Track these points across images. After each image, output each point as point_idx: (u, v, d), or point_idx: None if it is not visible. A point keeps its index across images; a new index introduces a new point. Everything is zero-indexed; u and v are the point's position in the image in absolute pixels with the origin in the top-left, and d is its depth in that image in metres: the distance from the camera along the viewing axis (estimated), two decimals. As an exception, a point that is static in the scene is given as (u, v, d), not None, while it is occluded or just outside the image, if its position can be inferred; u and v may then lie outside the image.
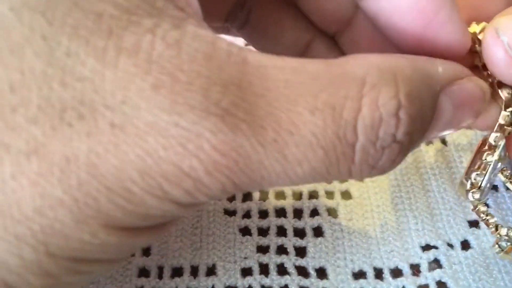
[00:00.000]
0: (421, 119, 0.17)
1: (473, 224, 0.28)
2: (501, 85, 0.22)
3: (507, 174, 0.28)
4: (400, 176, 0.31)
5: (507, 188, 0.28)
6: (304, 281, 0.26)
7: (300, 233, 0.28)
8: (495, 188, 0.30)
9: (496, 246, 0.25)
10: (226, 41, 0.16)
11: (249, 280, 0.26)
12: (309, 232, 0.28)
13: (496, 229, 0.25)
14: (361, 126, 0.16)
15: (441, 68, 0.19)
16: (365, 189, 0.30)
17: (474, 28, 0.22)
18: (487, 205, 0.27)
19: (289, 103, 0.16)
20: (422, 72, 0.18)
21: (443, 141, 0.33)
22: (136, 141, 0.15)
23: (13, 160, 0.14)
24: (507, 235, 0.25)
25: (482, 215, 0.26)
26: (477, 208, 0.26)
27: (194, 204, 0.17)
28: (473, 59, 0.23)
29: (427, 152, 0.32)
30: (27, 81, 0.15)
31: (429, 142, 0.32)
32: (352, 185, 0.30)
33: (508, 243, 0.25)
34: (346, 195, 0.30)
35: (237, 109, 0.15)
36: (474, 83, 0.20)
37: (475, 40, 0.22)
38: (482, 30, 0.22)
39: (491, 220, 0.26)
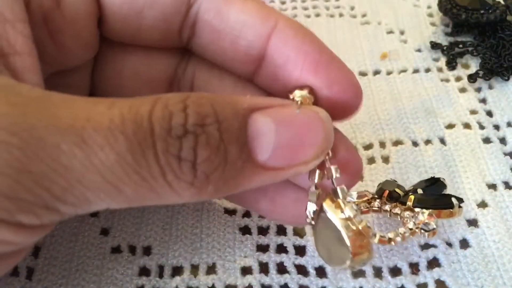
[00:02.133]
0: (217, 120, 0.19)
1: (472, 223, 0.28)
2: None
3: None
4: (400, 175, 0.31)
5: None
6: (304, 280, 0.26)
7: (299, 232, 0.28)
8: (493, 187, 0.30)
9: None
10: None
11: (249, 278, 0.26)
12: (308, 231, 0.28)
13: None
14: (155, 117, 0.18)
15: (251, 96, 0.21)
16: (364, 188, 0.30)
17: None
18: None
19: (88, 103, 0.18)
20: (224, 96, 0.20)
21: (442, 141, 0.33)
22: None
23: None
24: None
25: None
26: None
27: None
28: None
29: (426, 151, 0.32)
30: None
31: (428, 142, 0.33)
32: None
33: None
34: (345, 194, 0.30)
35: (32, 102, 0.17)
36: (306, 108, 0.21)
37: None
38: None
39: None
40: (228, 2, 0.23)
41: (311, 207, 0.23)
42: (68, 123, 0.17)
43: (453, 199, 0.26)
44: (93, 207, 0.18)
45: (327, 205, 0.22)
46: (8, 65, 0.19)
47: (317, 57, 0.23)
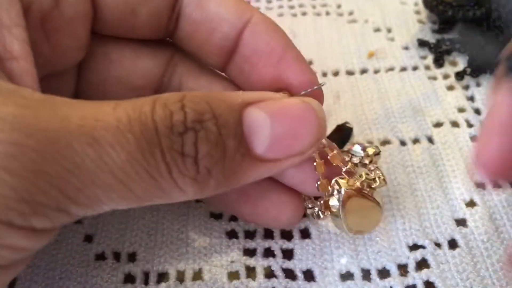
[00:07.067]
0: (214, 116, 0.20)
1: (460, 222, 0.28)
2: None
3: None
4: (387, 175, 0.30)
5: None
6: (292, 284, 0.26)
7: (287, 235, 0.28)
8: (482, 186, 0.30)
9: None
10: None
11: (236, 283, 0.26)
12: (296, 234, 0.28)
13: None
14: (157, 116, 0.19)
15: (243, 91, 0.22)
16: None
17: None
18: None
19: (92, 104, 0.19)
20: (218, 93, 0.21)
21: (430, 140, 0.32)
22: None
23: None
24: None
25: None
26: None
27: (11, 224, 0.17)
28: None
29: (414, 151, 0.32)
30: None
31: (416, 141, 0.32)
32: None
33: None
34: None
35: (39, 105, 0.18)
36: (297, 99, 0.22)
37: None
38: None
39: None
40: None
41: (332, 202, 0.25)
42: (78, 124, 0.17)
43: (346, 125, 0.31)
44: (103, 207, 0.19)
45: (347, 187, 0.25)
46: (5, 70, 0.19)
47: (281, 54, 0.24)
